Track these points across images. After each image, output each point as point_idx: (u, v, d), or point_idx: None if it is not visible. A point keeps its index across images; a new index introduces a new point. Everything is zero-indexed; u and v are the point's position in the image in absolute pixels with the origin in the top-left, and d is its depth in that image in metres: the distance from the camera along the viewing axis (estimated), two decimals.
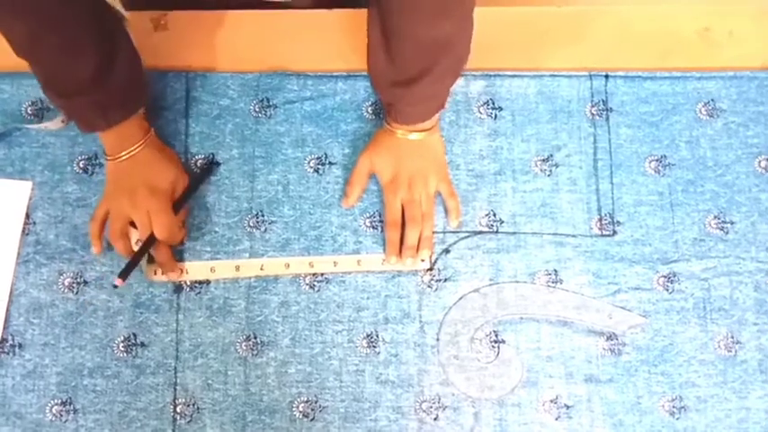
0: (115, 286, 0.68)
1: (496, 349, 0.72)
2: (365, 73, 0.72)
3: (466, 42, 0.65)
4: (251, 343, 0.72)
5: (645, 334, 0.72)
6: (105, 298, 0.72)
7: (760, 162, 0.76)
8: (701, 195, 0.75)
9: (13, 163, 0.75)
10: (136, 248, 0.70)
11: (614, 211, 0.74)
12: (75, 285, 0.73)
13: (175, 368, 0.71)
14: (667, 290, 0.73)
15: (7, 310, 0.72)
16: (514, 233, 0.74)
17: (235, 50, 0.78)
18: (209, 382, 0.71)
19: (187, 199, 0.73)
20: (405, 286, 0.73)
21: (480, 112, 0.77)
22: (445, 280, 0.73)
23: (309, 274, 0.73)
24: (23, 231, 0.74)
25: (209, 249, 0.73)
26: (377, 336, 0.72)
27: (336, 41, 0.78)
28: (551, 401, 0.71)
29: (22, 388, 0.71)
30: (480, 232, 0.74)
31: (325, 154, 0.76)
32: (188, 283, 0.73)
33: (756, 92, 0.77)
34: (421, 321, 0.72)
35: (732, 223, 0.74)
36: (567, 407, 0.71)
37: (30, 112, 0.77)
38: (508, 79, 0.77)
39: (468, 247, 0.74)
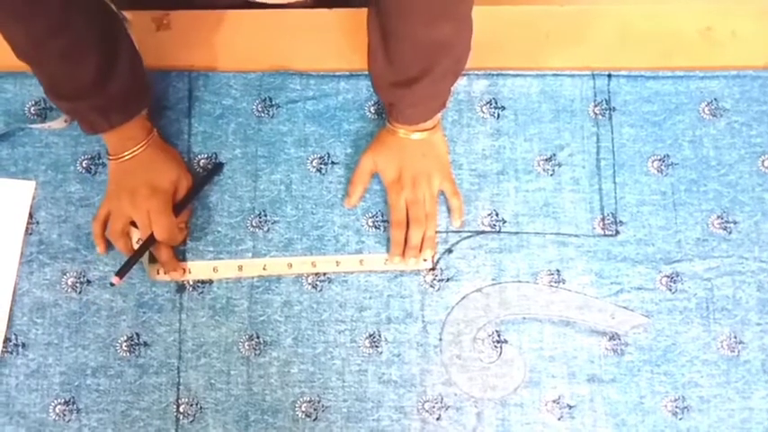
0: (112, 284, 0.68)
1: (499, 349, 0.72)
2: (367, 72, 0.72)
3: (465, 42, 0.65)
4: (254, 342, 0.72)
5: (648, 334, 0.72)
6: (108, 297, 0.72)
7: (763, 161, 0.75)
8: (704, 195, 0.75)
9: (16, 162, 0.75)
10: (137, 248, 0.70)
11: (617, 211, 0.74)
12: (78, 285, 0.73)
13: (178, 368, 0.71)
14: (670, 290, 0.73)
15: (11, 309, 0.72)
16: (517, 233, 0.74)
17: (237, 50, 0.78)
18: (212, 381, 0.71)
19: (190, 200, 0.73)
20: (407, 286, 0.73)
21: (483, 112, 0.77)
22: (448, 280, 0.73)
23: (312, 274, 0.73)
24: (27, 231, 0.74)
25: (211, 249, 0.74)
26: (379, 335, 0.72)
27: (339, 41, 0.78)
28: (554, 401, 0.71)
29: (25, 387, 0.71)
30: (483, 232, 0.74)
31: (328, 153, 0.76)
32: (191, 283, 0.73)
33: (759, 91, 0.77)
34: (423, 321, 0.72)
35: (735, 223, 0.74)
36: (570, 407, 0.71)
37: (33, 112, 0.77)
38: (511, 78, 0.77)
39: (471, 247, 0.74)
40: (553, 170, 0.75)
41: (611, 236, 0.74)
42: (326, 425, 0.70)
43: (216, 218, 0.74)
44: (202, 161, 0.76)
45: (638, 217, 0.74)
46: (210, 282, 0.73)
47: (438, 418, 0.70)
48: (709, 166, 0.75)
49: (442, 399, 0.71)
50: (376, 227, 0.74)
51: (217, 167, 0.75)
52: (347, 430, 0.70)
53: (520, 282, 0.73)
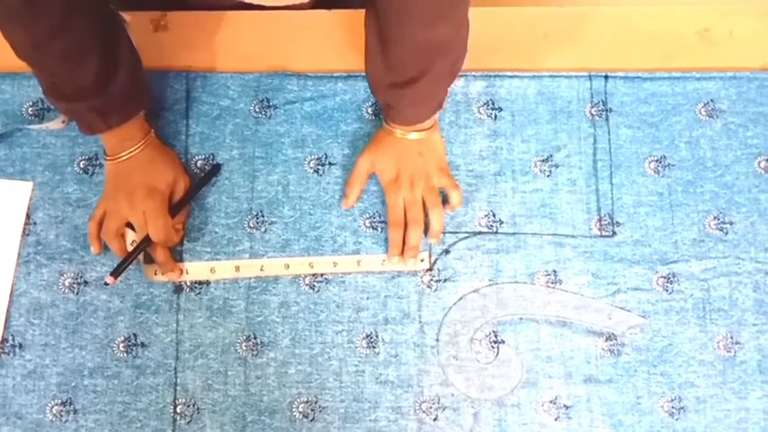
0: (106, 284, 0.69)
1: (496, 350, 0.72)
2: (365, 73, 0.72)
3: (462, 43, 0.65)
4: (251, 343, 0.72)
5: (644, 334, 0.72)
6: (106, 298, 0.72)
7: (759, 163, 0.76)
8: (701, 196, 0.75)
9: (13, 163, 0.75)
10: (131, 248, 0.71)
11: (614, 212, 0.75)
12: (75, 286, 0.73)
13: (175, 368, 0.71)
14: (667, 290, 0.73)
15: (8, 310, 0.72)
16: (514, 234, 0.74)
17: (235, 51, 0.79)
18: (210, 382, 0.71)
19: (188, 201, 0.73)
20: (404, 287, 0.73)
21: (480, 113, 0.77)
22: (445, 280, 0.73)
23: (309, 275, 0.73)
24: (24, 232, 0.74)
25: (209, 250, 0.74)
26: (376, 336, 0.72)
27: (336, 42, 0.79)
28: (551, 402, 0.71)
29: (22, 388, 0.71)
30: (480, 233, 0.74)
31: (325, 154, 0.76)
32: (188, 284, 0.73)
33: (756, 92, 0.77)
34: (420, 322, 0.72)
35: (731, 224, 0.74)
36: (567, 407, 0.71)
37: (30, 113, 0.77)
38: (508, 80, 0.77)
39: (468, 248, 0.74)
40: (550, 171, 0.76)
41: (608, 236, 0.74)
42: (323, 425, 0.70)
43: (213, 219, 0.74)
44: (200, 162, 0.76)
45: (635, 218, 0.74)
46: (208, 282, 0.73)
47: (435, 419, 0.71)
48: (705, 167, 0.75)
49: (439, 399, 0.71)
50: (373, 228, 0.74)
51: (214, 169, 0.75)
52: (344, 431, 0.70)
53: (517, 282, 0.73)
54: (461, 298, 0.73)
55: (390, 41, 0.64)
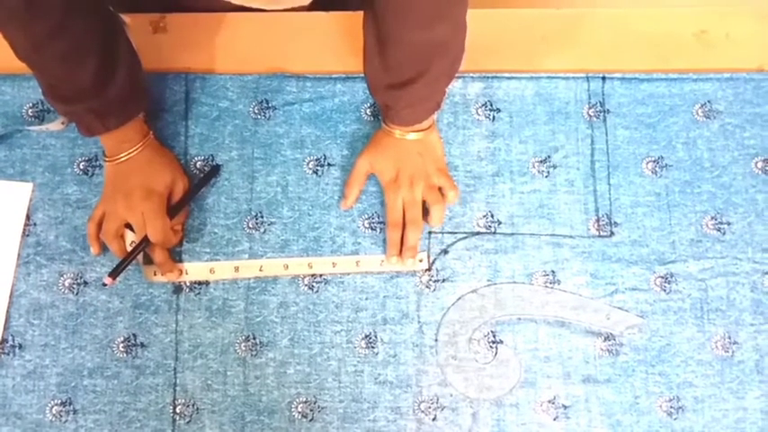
0: (104, 284, 0.69)
1: (494, 350, 0.72)
2: (363, 75, 0.73)
3: (460, 44, 0.66)
4: (250, 344, 0.72)
5: (642, 334, 0.72)
6: (105, 299, 0.73)
7: (756, 163, 0.76)
8: (698, 196, 0.75)
9: (13, 164, 0.76)
10: (130, 249, 0.71)
11: (612, 212, 0.75)
12: (75, 286, 0.73)
13: (175, 369, 0.71)
14: (664, 290, 0.73)
15: (8, 310, 0.72)
16: (512, 234, 0.75)
17: (234, 52, 0.79)
18: (209, 382, 0.71)
19: (187, 202, 0.73)
20: (403, 287, 0.73)
21: (478, 114, 0.77)
22: (443, 281, 0.73)
23: (308, 275, 0.73)
24: (24, 233, 0.74)
25: (208, 250, 0.74)
26: (375, 336, 0.72)
27: (335, 43, 0.79)
28: (549, 402, 0.71)
29: (22, 388, 0.71)
30: (478, 233, 0.75)
31: (324, 155, 0.76)
32: (187, 284, 0.73)
33: (753, 93, 0.77)
34: (419, 322, 0.72)
35: (729, 224, 0.75)
36: (565, 407, 0.71)
37: (30, 114, 0.77)
38: (506, 81, 0.78)
39: (467, 248, 0.74)
40: (548, 172, 0.76)
41: (606, 237, 0.74)
42: (322, 425, 0.70)
43: (212, 219, 0.75)
44: (199, 163, 0.76)
45: (633, 218, 0.75)
46: (207, 283, 0.73)
47: (434, 419, 0.71)
48: (702, 168, 0.76)
49: (437, 399, 0.71)
50: (372, 228, 0.75)
51: (213, 170, 0.75)
52: (343, 431, 0.70)
53: (515, 282, 0.73)
54: (460, 298, 0.73)
55: (388, 42, 0.64)
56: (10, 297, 0.72)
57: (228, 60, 0.79)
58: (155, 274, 0.73)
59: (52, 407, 0.71)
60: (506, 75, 0.78)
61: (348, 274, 0.73)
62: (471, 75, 0.78)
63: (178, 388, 0.71)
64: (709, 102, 0.77)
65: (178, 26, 0.79)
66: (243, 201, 0.75)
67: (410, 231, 0.72)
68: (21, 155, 0.76)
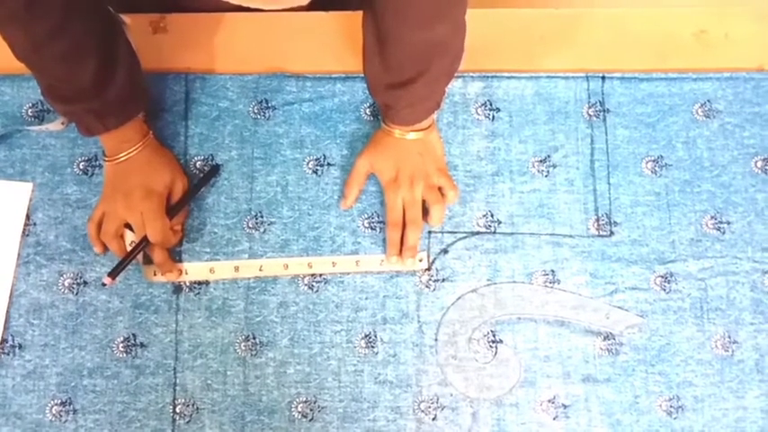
0: (104, 284, 0.69)
1: (494, 349, 0.72)
2: (363, 75, 0.73)
3: (459, 43, 0.66)
4: (250, 343, 0.72)
5: (642, 334, 0.72)
6: (105, 299, 0.73)
7: (756, 162, 0.76)
8: (698, 196, 0.75)
9: (13, 164, 0.76)
10: (130, 249, 0.71)
11: (611, 212, 0.75)
12: (75, 286, 0.73)
13: (175, 368, 0.71)
14: (664, 290, 0.73)
15: (7, 310, 0.72)
16: (512, 234, 0.75)
17: (234, 52, 0.79)
18: (209, 382, 0.71)
19: (186, 202, 0.73)
20: (403, 287, 0.73)
21: (478, 114, 0.77)
22: (443, 280, 0.73)
23: (308, 275, 0.73)
24: (24, 232, 0.74)
25: (208, 250, 0.74)
26: (375, 336, 0.72)
27: (335, 43, 0.79)
28: (549, 401, 0.71)
29: (22, 388, 0.71)
30: (478, 233, 0.75)
31: (324, 155, 0.76)
32: (187, 284, 0.73)
33: (752, 93, 0.77)
34: (419, 321, 0.72)
35: (729, 223, 0.75)
36: (565, 406, 0.71)
37: (30, 114, 0.77)
38: (506, 81, 0.78)
39: (466, 248, 0.74)
40: (548, 171, 0.76)
41: (606, 236, 0.74)
42: (322, 425, 0.70)
43: (212, 219, 0.75)
44: (199, 163, 0.76)
45: (633, 217, 0.75)
46: (207, 283, 0.73)
47: (434, 419, 0.71)
48: (702, 167, 0.76)
49: (437, 399, 0.71)
50: (372, 228, 0.75)
51: (213, 170, 0.75)
52: (343, 430, 0.70)
53: (515, 282, 0.73)
54: (460, 298, 0.73)
55: (388, 42, 0.64)
56: (10, 297, 0.73)
57: (228, 60, 0.79)
58: (154, 274, 0.73)
59: (52, 407, 0.71)
60: (506, 74, 0.78)
61: (348, 273, 0.73)
62: (471, 74, 0.78)
63: (178, 388, 0.71)
64: (708, 101, 0.77)
65: (178, 26, 0.79)
66: (243, 200, 0.75)
67: (410, 231, 0.72)
68: (20, 155, 0.76)
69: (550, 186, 0.75)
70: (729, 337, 0.72)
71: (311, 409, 0.71)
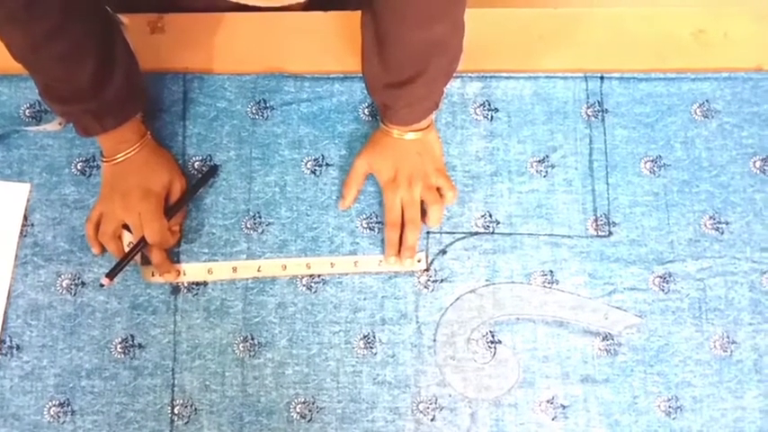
0: (102, 285, 0.69)
1: (493, 350, 0.72)
2: (361, 75, 0.73)
3: (458, 43, 0.66)
4: (248, 344, 0.72)
5: (641, 334, 0.72)
6: (103, 299, 0.72)
7: (755, 162, 0.76)
8: (697, 196, 0.75)
9: (11, 165, 0.75)
10: (128, 250, 0.71)
11: (610, 212, 0.75)
12: (72, 287, 0.73)
13: (173, 369, 0.71)
14: (663, 290, 0.73)
15: (5, 311, 0.72)
16: (510, 234, 0.74)
17: (232, 52, 0.79)
18: (207, 383, 0.71)
19: (184, 203, 0.73)
20: (401, 287, 0.73)
21: (476, 114, 0.77)
22: (442, 281, 0.73)
23: (306, 276, 0.73)
24: (21, 233, 0.74)
25: (206, 251, 0.74)
26: (374, 337, 0.72)
27: (333, 43, 0.79)
28: (548, 402, 0.71)
29: (19, 389, 0.71)
30: (476, 233, 0.75)
31: (322, 155, 0.76)
32: (185, 285, 0.73)
33: (751, 93, 0.77)
34: (418, 322, 0.72)
35: (727, 224, 0.75)
36: (564, 407, 0.71)
37: (28, 115, 0.77)
38: (504, 81, 0.78)
39: (465, 248, 0.74)
40: (546, 172, 0.76)
41: (604, 236, 0.74)
42: (321, 426, 0.70)
43: (210, 220, 0.74)
44: (197, 163, 0.76)
45: (631, 218, 0.75)
46: (205, 283, 0.73)
47: (432, 419, 0.71)
48: (701, 167, 0.76)
49: (436, 399, 0.71)
50: (370, 228, 0.75)
51: (212, 170, 0.75)
52: (342, 431, 0.70)
53: (513, 282, 0.73)
54: (458, 298, 0.73)
55: (387, 41, 0.64)
56: (7, 298, 0.72)
57: (226, 60, 0.79)
58: (152, 275, 0.73)
59: (50, 408, 0.71)
60: (504, 74, 0.78)
61: (346, 274, 0.73)
62: (469, 74, 0.78)
63: (176, 389, 0.71)
64: (707, 101, 0.77)
65: (176, 26, 0.79)
66: (241, 201, 0.75)
67: (409, 231, 0.72)
68: (18, 155, 0.76)
69: (549, 187, 0.75)
70: (728, 338, 0.72)
71: (310, 410, 0.71)
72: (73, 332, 0.72)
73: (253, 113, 0.77)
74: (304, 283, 0.73)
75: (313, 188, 0.75)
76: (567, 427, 0.70)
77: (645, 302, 0.73)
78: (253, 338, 0.72)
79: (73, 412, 0.70)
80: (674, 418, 0.71)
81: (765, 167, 0.76)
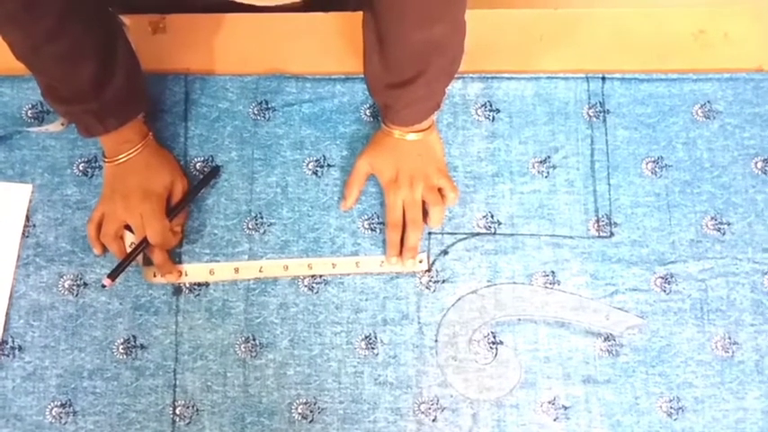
0: (103, 286, 0.69)
1: (494, 350, 0.72)
2: (363, 76, 0.73)
3: (459, 43, 0.66)
4: (250, 345, 0.72)
5: (642, 335, 0.72)
6: (105, 300, 0.72)
7: (756, 163, 0.76)
8: (698, 196, 0.75)
9: (13, 166, 0.75)
10: (130, 251, 0.71)
11: (611, 213, 0.75)
12: (74, 288, 0.73)
13: (175, 370, 0.71)
14: (664, 291, 0.73)
15: (7, 312, 0.72)
16: (512, 235, 0.74)
17: (233, 53, 0.79)
18: (209, 383, 0.71)
19: (186, 204, 0.73)
20: (403, 288, 0.73)
21: (478, 115, 0.77)
22: (443, 281, 0.73)
23: (308, 276, 0.73)
24: (23, 234, 0.74)
25: (208, 251, 0.74)
26: (375, 337, 0.72)
27: (335, 44, 0.79)
28: (549, 402, 0.71)
29: (21, 390, 0.71)
30: (478, 234, 0.75)
31: (324, 156, 0.76)
32: (187, 286, 0.73)
33: (752, 93, 0.77)
34: (419, 323, 0.72)
35: (729, 224, 0.75)
36: (565, 408, 0.71)
37: (30, 115, 0.77)
38: (505, 81, 0.78)
39: (466, 249, 0.74)
40: (548, 172, 0.76)
41: (606, 237, 0.74)
42: (322, 426, 0.70)
43: (212, 220, 0.75)
44: (199, 164, 0.76)
45: (633, 218, 0.75)
46: (207, 284, 0.73)
47: (434, 420, 0.71)
48: (702, 168, 0.76)
49: (437, 400, 0.71)
50: (372, 229, 0.75)
51: (213, 171, 0.75)
52: None
53: (515, 283, 0.73)
54: (460, 299, 0.73)
55: (388, 42, 0.64)
56: (10, 299, 0.72)
57: (228, 61, 0.79)
58: (154, 276, 0.73)
59: (52, 408, 0.71)
60: (506, 75, 0.78)
61: (348, 274, 0.73)
62: (471, 75, 0.78)
63: (178, 389, 0.71)
64: (708, 102, 0.77)
65: (177, 27, 0.79)
66: (242, 202, 0.75)
67: (410, 232, 0.72)
68: (20, 156, 0.76)
69: (550, 187, 0.75)
70: (729, 338, 0.72)
71: (311, 411, 0.71)
72: (75, 333, 0.72)
73: (254, 114, 0.77)
74: (306, 283, 0.73)
75: (315, 189, 0.75)
76: (569, 427, 0.70)
77: (646, 303, 0.73)
78: (254, 339, 0.72)
79: (75, 413, 0.71)
80: (675, 419, 0.71)
81: (767, 168, 0.76)
